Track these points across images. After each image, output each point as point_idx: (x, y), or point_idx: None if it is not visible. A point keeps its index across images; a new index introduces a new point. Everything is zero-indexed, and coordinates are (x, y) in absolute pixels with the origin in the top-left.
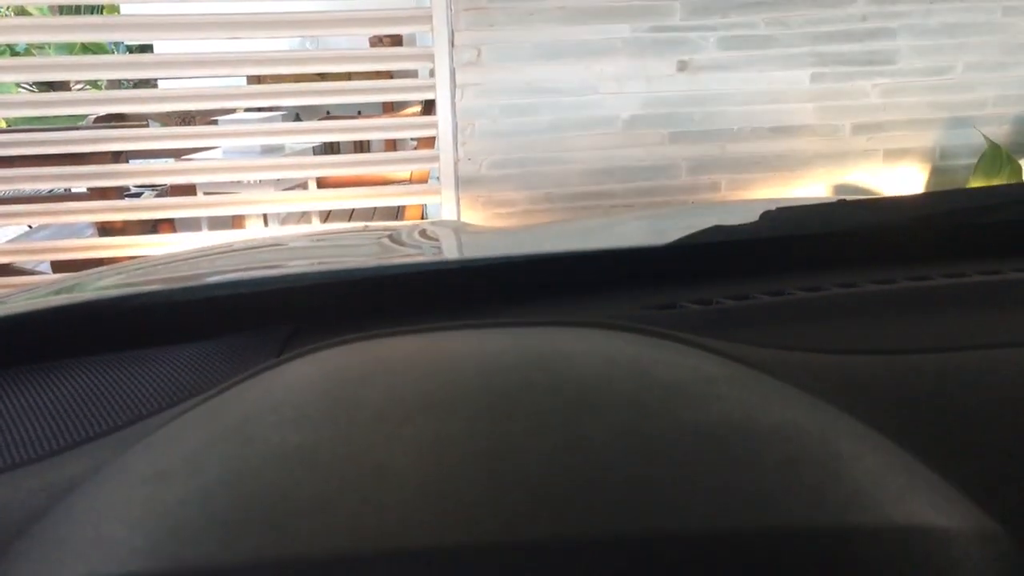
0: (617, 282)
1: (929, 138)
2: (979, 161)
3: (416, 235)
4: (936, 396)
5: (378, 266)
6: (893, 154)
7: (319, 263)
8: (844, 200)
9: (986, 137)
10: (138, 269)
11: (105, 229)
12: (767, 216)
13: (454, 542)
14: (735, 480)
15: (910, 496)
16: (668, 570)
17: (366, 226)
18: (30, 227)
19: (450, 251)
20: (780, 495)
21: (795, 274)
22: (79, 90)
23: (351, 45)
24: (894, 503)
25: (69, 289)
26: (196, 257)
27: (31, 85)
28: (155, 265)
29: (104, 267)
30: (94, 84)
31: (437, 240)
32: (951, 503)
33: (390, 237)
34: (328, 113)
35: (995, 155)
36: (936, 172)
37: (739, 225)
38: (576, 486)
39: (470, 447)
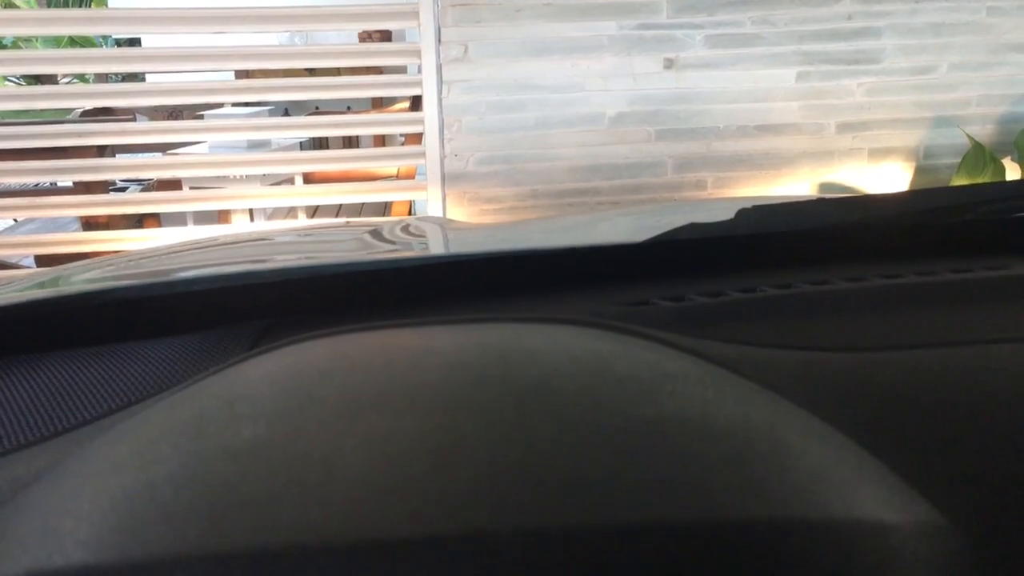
0: (593, 279)
1: (913, 137)
2: (962, 161)
3: (397, 231)
4: (904, 393)
5: (354, 262)
6: (878, 153)
7: (297, 258)
8: (821, 198)
9: (970, 137)
10: (114, 264)
11: (90, 224)
12: (742, 213)
13: (397, 534)
14: (676, 473)
15: (855, 491)
16: (604, 562)
17: (348, 222)
18: (15, 221)
19: (429, 247)
20: (721, 489)
21: (768, 271)
22: (67, 83)
23: (341, 41)
24: (837, 498)
25: (45, 284)
26: (175, 252)
27: (18, 79)
28: (132, 260)
29: (82, 262)
30: (81, 78)
31: (418, 236)
32: (899, 499)
33: (371, 233)
34: (317, 108)
35: (978, 155)
36: (920, 171)
37: (714, 223)
38: (517, 479)
39: (418, 442)
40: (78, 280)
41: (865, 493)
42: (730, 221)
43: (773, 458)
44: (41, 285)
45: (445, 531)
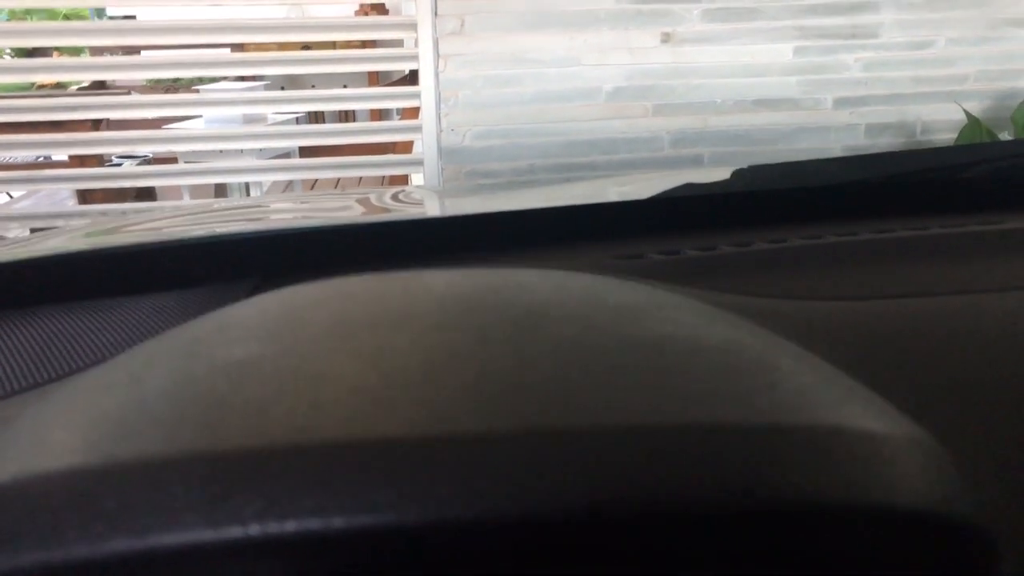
0: (586, 236)
1: (910, 112)
2: (959, 136)
3: (388, 198)
4: (893, 338)
5: (349, 222)
6: (875, 128)
7: (285, 220)
8: (815, 159)
9: (966, 112)
10: (110, 228)
11: (86, 199)
12: (737, 173)
13: (386, 435)
14: (671, 382)
15: (843, 404)
16: (593, 461)
17: (342, 188)
18: (10, 196)
19: (421, 210)
20: (715, 396)
21: (763, 228)
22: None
23: (336, 15)
24: (827, 408)
25: (37, 244)
26: (167, 217)
27: (11, 52)
28: (129, 225)
29: (79, 224)
30: (76, 53)
31: (411, 202)
32: (884, 412)
33: (362, 200)
34: (313, 87)
35: (975, 130)
36: (917, 146)
37: (710, 182)
38: (510, 385)
39: (410, 355)
40: (76, 239)
41: (854, 406)
42: (725, 180)
43: (765, 373)
44: (37, 243)
45: (436, 431)
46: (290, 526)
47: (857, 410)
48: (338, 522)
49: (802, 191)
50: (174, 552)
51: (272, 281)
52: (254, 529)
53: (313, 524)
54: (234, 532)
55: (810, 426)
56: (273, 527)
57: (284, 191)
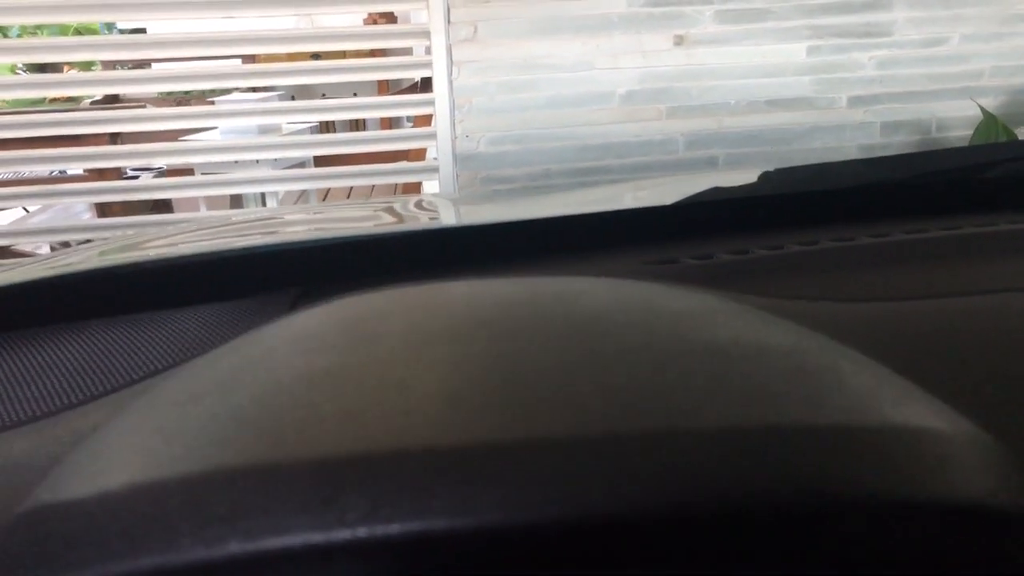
0: (617, 242)
1: (926, 110)
2: (975, 132)
3: (411, 207)
4: (935, 337)
5: (384, 231)
6: (890, 126)
7: (321, 231)
8: (842, 161)
9: (982, 108)
10: (143, 241)
11: (104, 212)
12: (765, 176)
13: (478, 440)
14: (741, 385)
15: (908, 404)
16: (676, 460)
17: (354, 197)
18: (26, 210)
19: (450, 218)
20: (784, 399)
21: (793, 230)
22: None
23: (345, 24)
24: (893, 409)
25: (78, 259)
26: (196, 230)
27: (23, 68)
28: (159, 237)
29: (102, 241)
30: (88, 67)
31: (435, 210)
32: (947, 414)
33: (388, 209)
34: (324, 95)
35: (991, 126)
36: (933, 143)
37: (738, 186)
38: (591, 390)
39: (490, 362)
40: (106, 255)
41: (918, 407)
42: (752, 184)
43: (828, 374)
44: (76, 261)
45: (524, 436)
46: (394, 528)
47: (918, 409)
48: (440, 524)
49: (831, 193)
50: (284, 554)
51: (314, 292)
52: (361, 531)
53: (416, 526)
54: (342, 534)
55: (881, 426)
56: (379, 529)
57: (298, 200)
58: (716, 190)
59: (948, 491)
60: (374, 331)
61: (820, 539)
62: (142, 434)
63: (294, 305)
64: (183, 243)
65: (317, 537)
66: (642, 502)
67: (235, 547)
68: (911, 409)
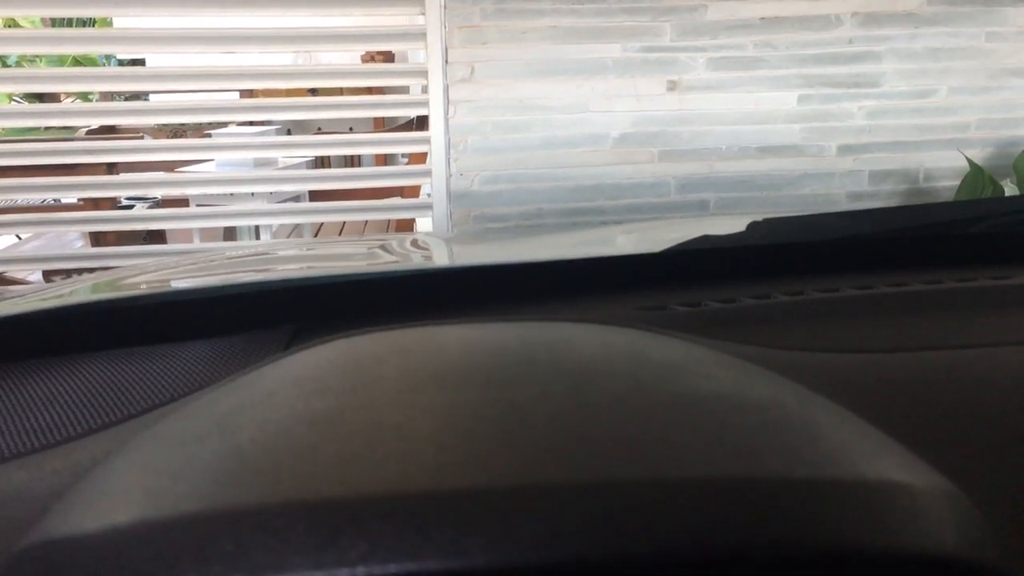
0: (607, 287)
1: (913, 159)
2: (962, 183)
3: (407, 244)
4: (914, 390)
5: (379, 269)
6: (878, 175)
7: (316, 268)
8: (830, 212)
9: (969, 160)
10: (139, 274)
11: (98, 241)
12: (753, 226)
13: (470, 485)
14: (719, 437)
15: (880, 458)
16: (654, 512)
17: (346, 233)
18: (19, 237)
19: (444, 258)
20: (760, 452)
21: (780, 280)
22: (71, 103)
23: (343, 62)
24: (866, 462)
25: (77, 291)
26: (194, 264)
27: (21, 98)
28: (156, 271)
29: (98, 274)
30: (84, 97)
31: (428, 249)
32: (917, 467)
33: (382, 247)
34: (319, 129)
35: (977, 177)
36: (920, 194)
37: (727, 235)
38: (578, 440)
39: (483, 409)
40: (103, 289)
41: (890, 460)
42: (740, 233)
43: (806, 429)
44: (76, 292)
45: (514, 482)
46: (391, 568)
47: (891, 463)
48: (434, 564)
49: (818, 244)
50: None
51: (309, 329)
52: (359, 570)
53: (412, 566)
54: (340, 573)
55: (851, 479)
56: (376, 569)
57: (291, 234)
58: (706, 238)
59: (913, 543)
60: (372, 374)
61: None
62: (147, 472)
63: (290, 342)
64: (180, 278)
65: (316, 575)
66: (624, 548)
67: None
68: (884, 463)
